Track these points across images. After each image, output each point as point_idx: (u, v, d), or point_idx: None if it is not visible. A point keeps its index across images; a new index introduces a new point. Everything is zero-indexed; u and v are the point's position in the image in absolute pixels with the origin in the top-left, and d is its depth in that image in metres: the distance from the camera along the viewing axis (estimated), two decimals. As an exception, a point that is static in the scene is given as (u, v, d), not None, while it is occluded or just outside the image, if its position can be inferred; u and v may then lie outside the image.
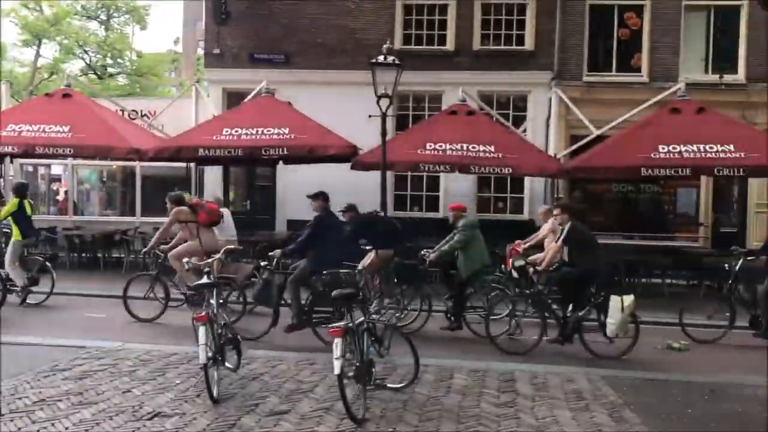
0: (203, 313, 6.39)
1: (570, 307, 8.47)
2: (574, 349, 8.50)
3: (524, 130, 15.75)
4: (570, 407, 6.43)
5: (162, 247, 9.96)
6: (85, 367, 7.26)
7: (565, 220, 8.69)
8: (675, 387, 7.28)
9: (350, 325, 6.10)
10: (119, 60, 38.24)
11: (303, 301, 8.64)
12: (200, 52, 43.10)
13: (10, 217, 10.88)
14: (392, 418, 5.94)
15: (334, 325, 6.00)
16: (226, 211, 11.43)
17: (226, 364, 6.71)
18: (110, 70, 38.19)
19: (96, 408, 5.96)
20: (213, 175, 16.87)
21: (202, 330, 6.22)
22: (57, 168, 21.00)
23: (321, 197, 9.06)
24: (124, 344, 8.29)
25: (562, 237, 8.62)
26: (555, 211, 9.07)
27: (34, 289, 10.93)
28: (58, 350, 7.95)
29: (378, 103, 12.11)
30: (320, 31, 16.66)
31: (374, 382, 6.27)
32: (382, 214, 11.05)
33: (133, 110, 17.14)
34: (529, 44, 16.33)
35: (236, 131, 13.27)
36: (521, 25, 16.47)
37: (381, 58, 12.13)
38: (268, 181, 17.02)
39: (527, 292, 9.02)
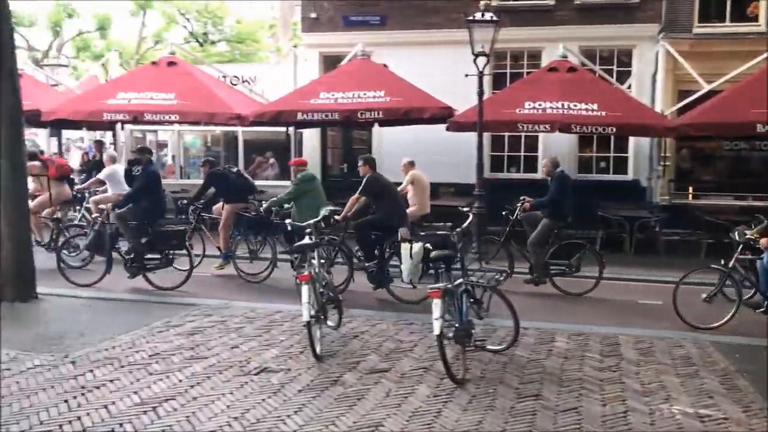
0: (306, 273, 6.56)
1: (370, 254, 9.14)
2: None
3: (629, 87, 15.05)
4: (678, 373, 6.22)
5: None
6: (195, 323, 7.63)
7: (366, 172, 9.28)
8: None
9: (448, 286, 6.10)
10: (219, 27, 39.21)
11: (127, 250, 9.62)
12: (297, 17, 43.61)
13: None
14: (492, 379, 5.93)
15: (432, 286, 6.01)
16: (118, 167, 12.26)
17: (328, 323, 6.88)
18: (211, 37, 39.26)
19: (206, 362, 6.27)
20: (311, 138, 17.13)
21: (305, 289, 6.38)
22: (163, 134, 21.99)
23: (146, 152, 10.11)
24: (229, 302, 8.65)
25: (360, 189, 9.21)
26: (359, 164, 9.55)
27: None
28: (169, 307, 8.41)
29: (475, 61, 11.86)
30: (416, -9, 16.42)
31: (474, 343, 6.26)
32: (235, 169, 11.53)
33: (234, 76, 17.54)
34: (634, -5, 15.51)
35: (332, 95, 13.38)
36: (626, -25, 15.63)
37: (478, 15, 11.84)
38: (364, 144, 17.11)
39: (335, 239, 9.53)
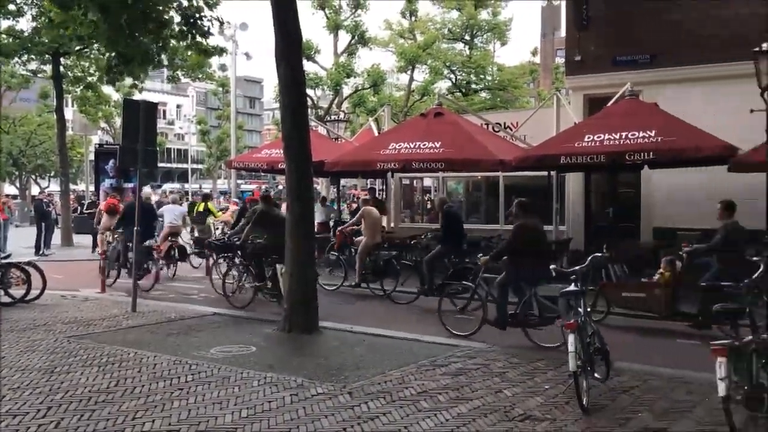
0: (572, 321, 6.38)
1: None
2: None
3: None
4: None
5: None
6: (459, 364, 7.78)
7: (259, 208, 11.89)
8: None
9: (736, 343, 5.51)
10: (482, 76, 40.49)
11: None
12: (558, 60, 43.49)
13: None
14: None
15: (715, 342, 5.47)
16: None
17: (595, 374, 6.59)
18: (474, 86, 40.66)
19: (471, 404, 6.35)
20: (574, 183, 16.77)
21: (571, 338, 6.21)
22: (428, 180, 23.09)
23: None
24: (492, 345, 8.69)
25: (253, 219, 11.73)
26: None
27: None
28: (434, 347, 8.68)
29: (762, 95, 10.78)
30: (689, 26, 15.42)
31: (766, 411, 5.54)
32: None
33: (498, 123, 17.91)
34: None
35: (598, 137, 12.96)
36: None
37: (765, 45, 10.78)
38: (632, 188, 16.30)
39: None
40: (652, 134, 12.40)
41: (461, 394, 6.66)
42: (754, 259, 8.41)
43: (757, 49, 10.81)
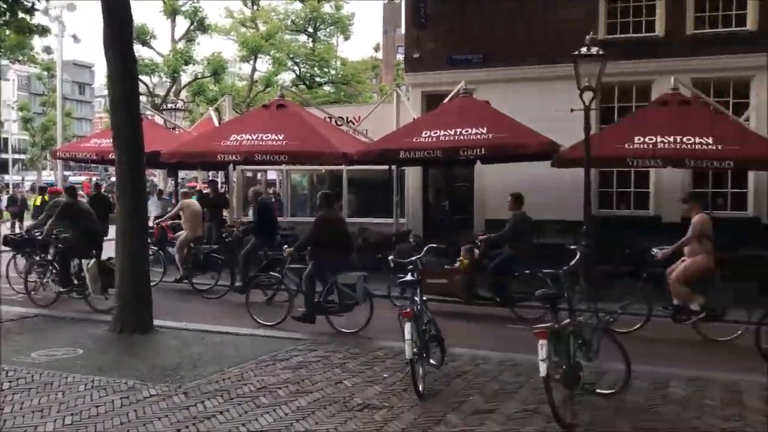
0: (409, 309, 6.55)
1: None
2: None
3: (747, 119, 14.32)
4: None
5: None
6: (300, 358, 7.76)
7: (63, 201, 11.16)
8: None
9: (555, 326, 5.92)
10: (325, 69, 40.61)
11: None
12: (399, 57, 44.57)
13: None
14: (603, 425, 5.67)
15: (537, 326, 5.86)
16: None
17: (431, 361, 6.82)
18: (318, 79, 40.68)
19: (311, 397, 6.35)
20: (413, 177, 17.28)
21: (408, 326, 6.38)
22: (272, 173, 22.81)
23: None
24: (332, 338, 8.77)
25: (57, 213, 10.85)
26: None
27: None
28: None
29: (581, 96, 11.65)
30: (518, 27, 16.38)
31: (582, 386, 6.02)
32: None
33: (340, 117, 18.03)
34: (751, 24, 14.79)
35: (435, 133, 13.43)
36: (741, 4, 14.96)
37: (584, 49, 11.66)
38: (466, 182, 17.07)
39: None
40: (484, 131, 13.04)
41: (301, 387, 6.64)
42: (572, 247, 9.09)
43: (576, 52, 11.64)
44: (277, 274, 10.18)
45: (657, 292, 9.46)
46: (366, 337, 8.91)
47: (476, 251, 10.79)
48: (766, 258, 12.52)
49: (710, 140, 11.98)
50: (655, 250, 9.36)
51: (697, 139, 12.03)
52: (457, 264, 10.64)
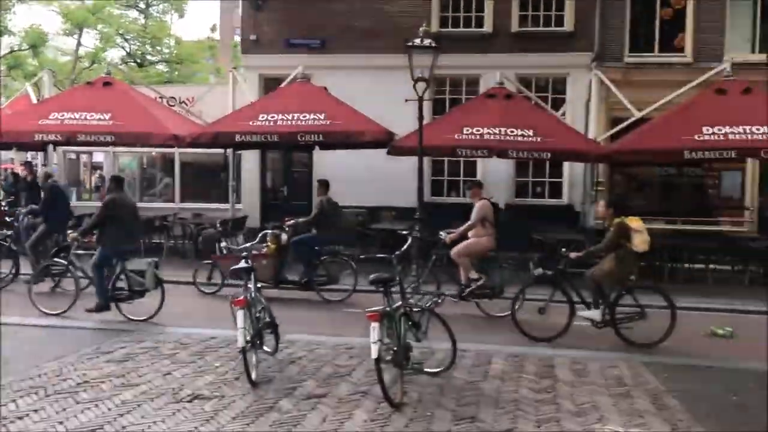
0: (242, 297, 6.45)
1: None
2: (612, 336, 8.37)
3: (563, 114, 15.49)
4: (610, 393, 6.33)
5: None
6: (126, 349, 7.40)
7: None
8: (718, 373, 7.12)
9: (387, 309, 6.09)
10: (158, 48, 38.72)
11: None
12: (237, 38, 43.44)
13: None
14: (430, 403, 5.92)
15: (370, 309, 5.99)
16: None
17: (265, 348, 6.76)
18: (149, 58, 38.71)
19: (137, 390, 6.07)
20: (250, 161, 16.99)
21: (240, 314, 6.27)
22: (98, 156, 21.44)
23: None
24: (164, 328, 8.44)
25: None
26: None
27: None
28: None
29: (414, 87, 11.98)
30: (356, 15, 16.57)
31: (412, 366, 6.25)
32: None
33: (172, 97, 17.26)
34: (568, 25, 16.01)
35: (272, 117, 13.27)
36: (560, 5, 16.14)
37: (417, 41, 11.98)
38: (305, 167, 17.07)
39: None
40: (322, 117, 13.09)
41: (127, 380, 6.33)
42: (404, 233, 9.39)
43: (409, 43, 11.94)
44: (65, 261, 9.57)
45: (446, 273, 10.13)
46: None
47: (284, 236, 10.84)
48: (578, 241, 13.67)
49: (531, 132, 12.84)
50: (443, 234, 9.90)
51: (520, 132, 12.84)
52: (264, 249, 10.62)
